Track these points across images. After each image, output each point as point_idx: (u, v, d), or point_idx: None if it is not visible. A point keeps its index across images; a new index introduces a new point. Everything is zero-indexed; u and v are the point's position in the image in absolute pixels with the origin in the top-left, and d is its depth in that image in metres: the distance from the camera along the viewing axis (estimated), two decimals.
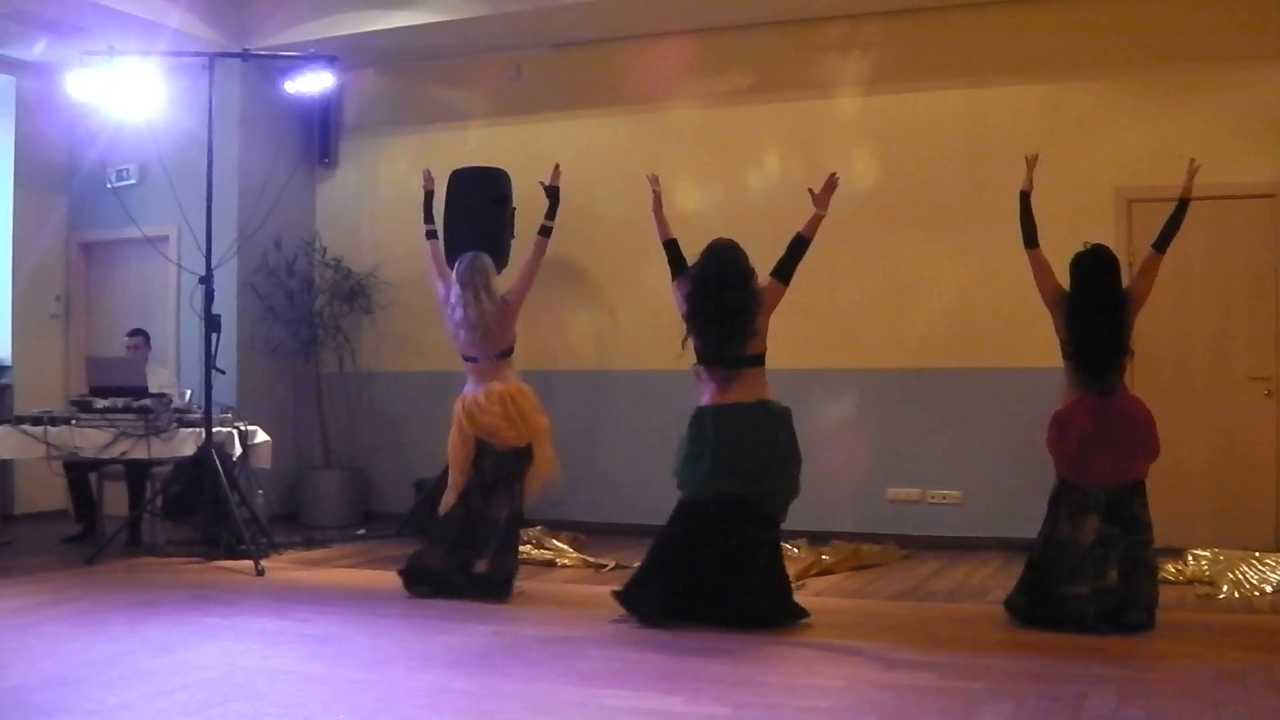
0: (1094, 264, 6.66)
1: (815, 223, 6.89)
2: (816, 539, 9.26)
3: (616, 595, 6.71)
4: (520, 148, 10.70)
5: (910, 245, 9.80)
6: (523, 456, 7.50)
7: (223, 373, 9.12)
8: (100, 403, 9.03)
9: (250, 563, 8.31)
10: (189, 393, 9.85)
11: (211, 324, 8.82)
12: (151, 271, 11.34)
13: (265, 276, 11.12)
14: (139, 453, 8.87)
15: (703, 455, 6.68)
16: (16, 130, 11.22)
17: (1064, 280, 6.76)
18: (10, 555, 9.07)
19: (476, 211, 10.00)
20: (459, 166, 10.26)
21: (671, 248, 7.09)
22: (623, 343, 10.47)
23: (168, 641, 6.09)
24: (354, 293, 11.21)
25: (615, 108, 10.72)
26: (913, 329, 9.74)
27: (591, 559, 8.77)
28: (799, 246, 6.86)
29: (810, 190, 6.90)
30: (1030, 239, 6.93)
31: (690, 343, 6.78)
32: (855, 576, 8.31)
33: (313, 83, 9.23)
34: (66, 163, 11.65)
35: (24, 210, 11.29)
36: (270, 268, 11.12)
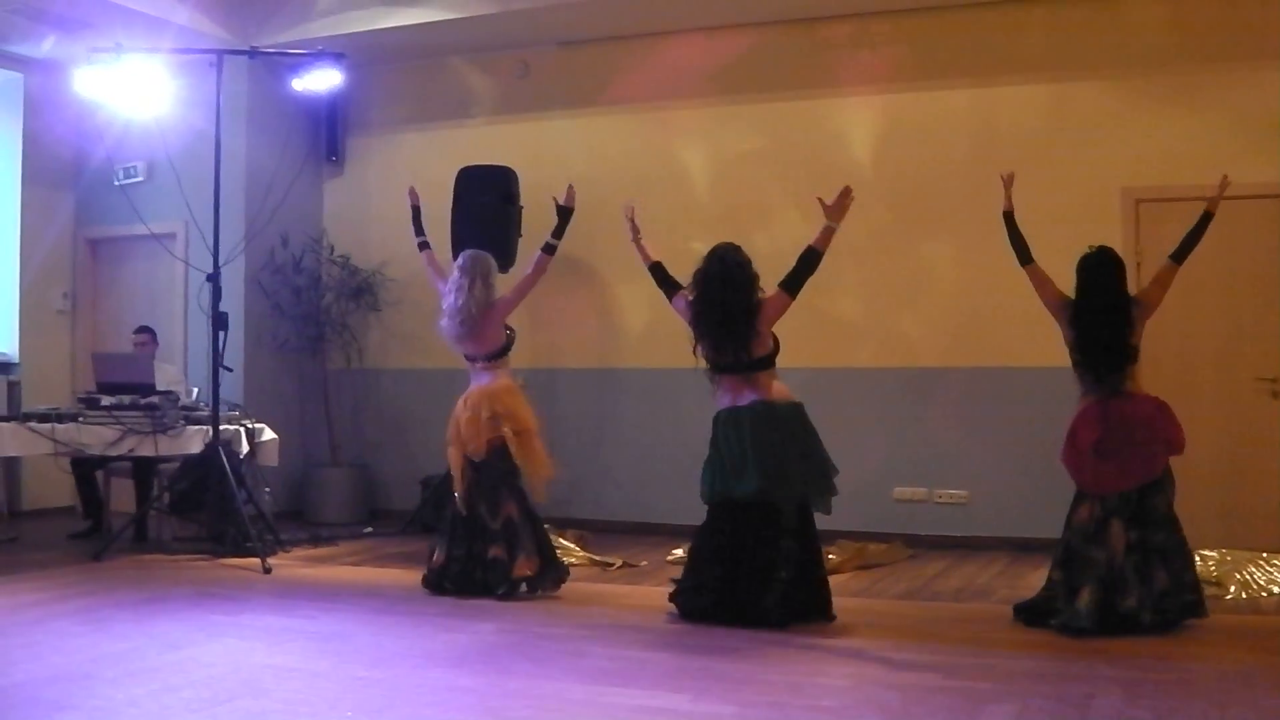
0: (1098, 265, 6.65)
1: (827, 235, 6.81)
2: (822, 538, 9.23)
3: (670, 598, 6.79)
4: (527, 146, 10.72)
5: (917, 244, 9.79)
6: (506, 456, 7.49)
7: (230, 370, 9.12)
8: (107, 400, 9.04)
9: (257, 560, 8.31)
10: (196, 390, 9.87)
11: (219, 321, 8.82)
12: (159, 268, 11.36)
13: (272, 274, 11.13)
14: (146, 450, 8.88)
15: (713, 460, 6.70)
16: (24, 127, 11.22)
17: (1065, 285, 6.73)
18: (17, 551, 9.09)
19: (483, 210, 10.01)
20: (466, 165, 10.26)
21: (657, 270, 7.11)
22: (629, 341, 10.48)
23: (174, 638, 6.11)
24: (361, 290, 11.22)
25: (622, 106, 10.72)
26: (919, 328, 9.74)
27: (598, 557, 8.77)
28: (810, 259, 6.80)
29: (821, 200, 6.82)
30: (1024, 256, 6.94)
31: (700, 350, 6.77)
32: (861, 576, 8.32)
33: (320, 80, 9.23)
34: (74, 159, 11.66)
35: (31, 207, 11.30)
36: (277, 265, 11.13)
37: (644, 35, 10.55)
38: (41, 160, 11.35)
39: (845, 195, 6.82)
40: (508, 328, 7.76)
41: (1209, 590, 7.50)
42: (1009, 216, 7.06)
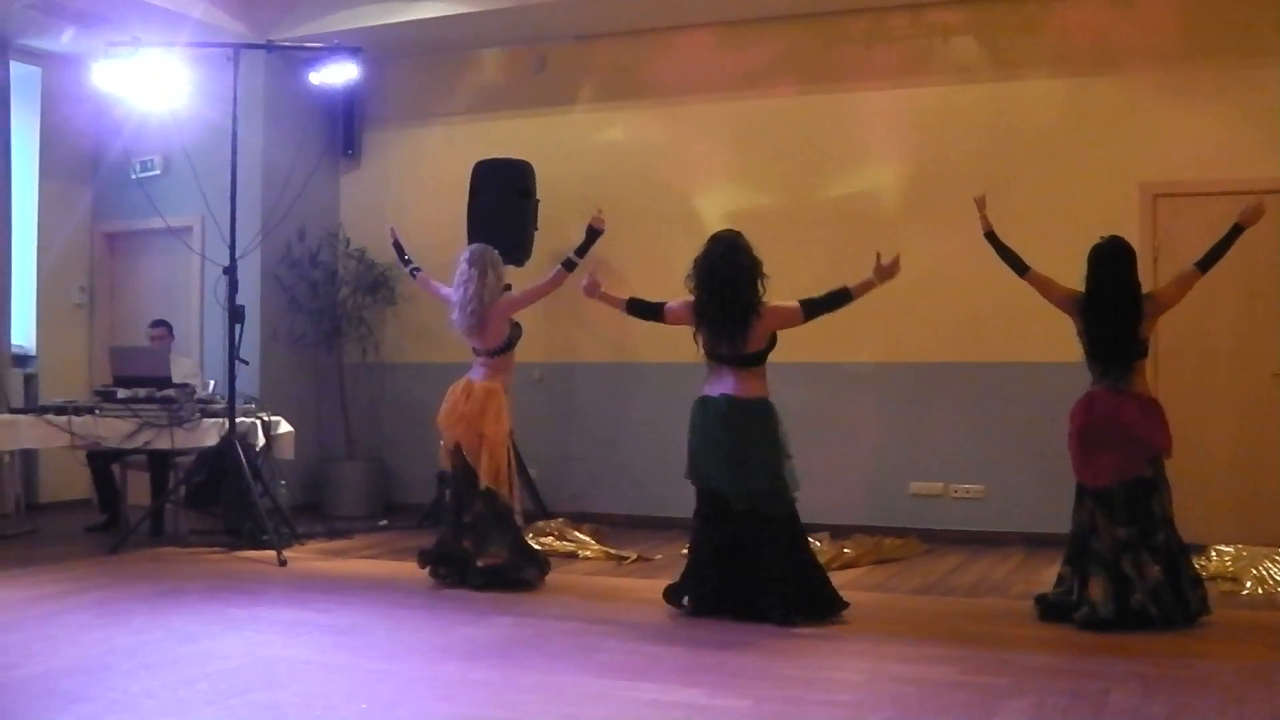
0: (1111, 255, 6.61)
1: (866, 288, 6.88)
2: (838, 533, 9.25)
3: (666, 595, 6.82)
4: (544, 140, 10.71)
5: (934, 239, 9.75)
6: (469, 455, 7.57)
7: (246, 363, 9.13)
8: (123, 393, 9.06)
9: (273, 553, 8.33)
10: (212, 383, 9.89)
11: (235, 315, 8.83)
12: (175, 262, 11.38)
13: (289, 268, 11.14)
14: (162, 443, 8.90)
15: (690, 445, 6.75)
16: (42, 121, 11.26)
17: (1069, 279, 6.71)
18: (34, 544, 9.12)
19: (499, 204, 10.00)
20: (482, 158, 10.26)
21: (635, 307, 7.08)
22: (645, 334, 10.43)
23: (190, 631, 6.12)
24: (377, 284, 11.22)
25: (638, 100, 10.72)
26: (936, 323, 9.71)
27: (613, 551, 8.77)
28: (840, 299, 6.86)
29: (878, 257, 6.89)
30: (1019, 267, 6.97)
31: (699, 337, 6.76)
32: (877, 571, 8.30)
33: (337, 74, 9.23)
34: (91, 153, 11.68)
35: (49, 200, 11.33)
36: (294, 259, 11.14)
37: (661, 29, 10.54)
38: (59, 154, 11.38)
39: (895, 264, 6.88)
40: (514, 324, 7.77)
41: (1225, 586, 7.50)
42: (991, 236, 7.09)
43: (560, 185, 10.47)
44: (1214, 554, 8.02)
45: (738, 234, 6.79)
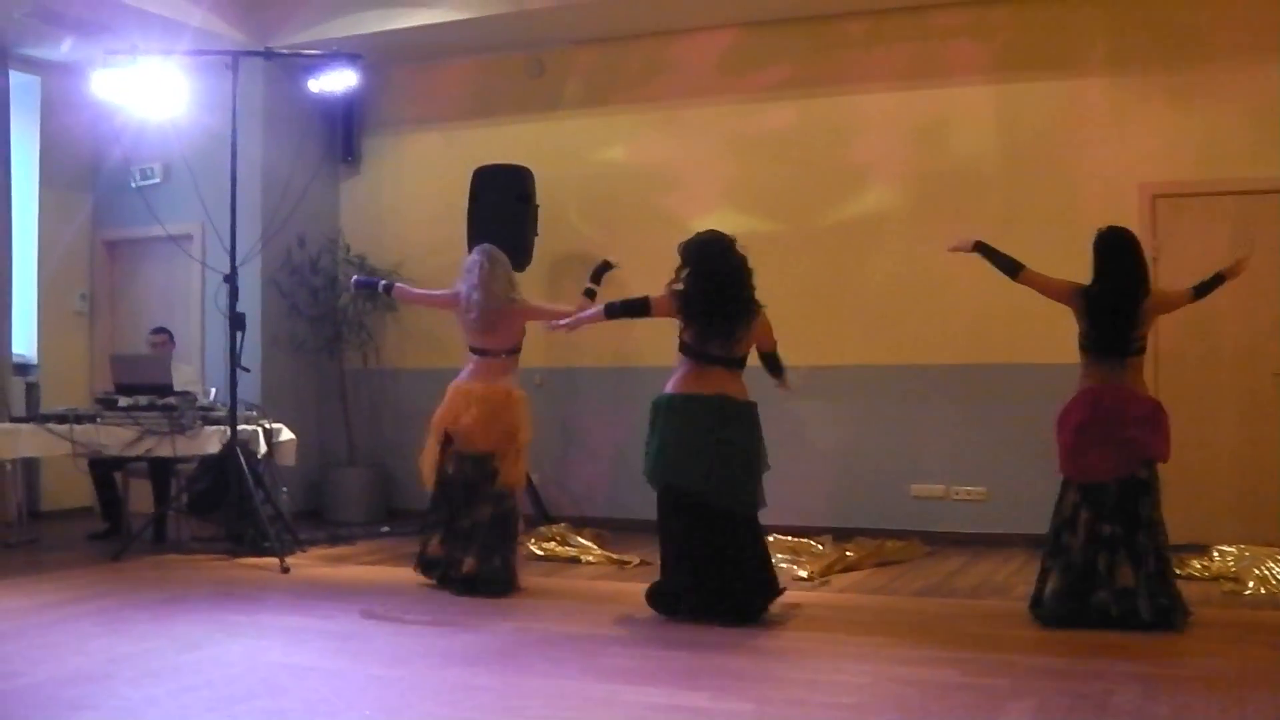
0: (1118, 243, 6.59)
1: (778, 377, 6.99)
2: (840, 535, 9.26)
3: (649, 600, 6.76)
4: (543, 145, 10.72)
5: (934, 241, 9.74)
6: (495, 460, 7.52)
7: (247, 370, 9.12)
8: (125, 400, 9.06)
9: (275, 560, 8.33)
10: (213, 390, 9.89)
11: (236, 322, 8.82)
12: (176, 270, 11.39)
13: (289, 274, 11.15)
14: (164, 450, 8.91)
15: (664, 442, 6.66)
16: (41, 129, 11.26)
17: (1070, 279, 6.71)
18: (37, 552, 9.11)
19: (499, 209, 10.01)
20: (481, 164, 10.27)
21: (614, 310, 6.99)
22: (646, 338, 10.45)
23: (193, 638, 6.12)
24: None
25: (638, 104, 10.72)
26: (937, 324, 9.70)
27: (615, 555, 8.77)
28: (771, 362, 6.99)
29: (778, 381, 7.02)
30: (1012, 268, 6.89)
31: (686, 333, 6.72)
32: (879, 573, 8.30)
33: (336, 81, 9.22)
34: (91, 161, 11.69)
35: (49, 209, 11.34)
36: (294, 265, 11.16)
37: (659, 34, 10.55)
38: (59, 163, 11.39)
39: (788, 387, 7.05)
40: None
41: (1227, 586, 7.50)
42: (979, 246, 6.96)
43: (559, 190, 10.48)
44: (1216, 554, 8.02)
45: (733, 240, 6.78)
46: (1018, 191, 9.49)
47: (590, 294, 7.64)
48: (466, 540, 7.44)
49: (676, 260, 6.79)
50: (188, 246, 10.84)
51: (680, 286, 6.70)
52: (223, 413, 9.06)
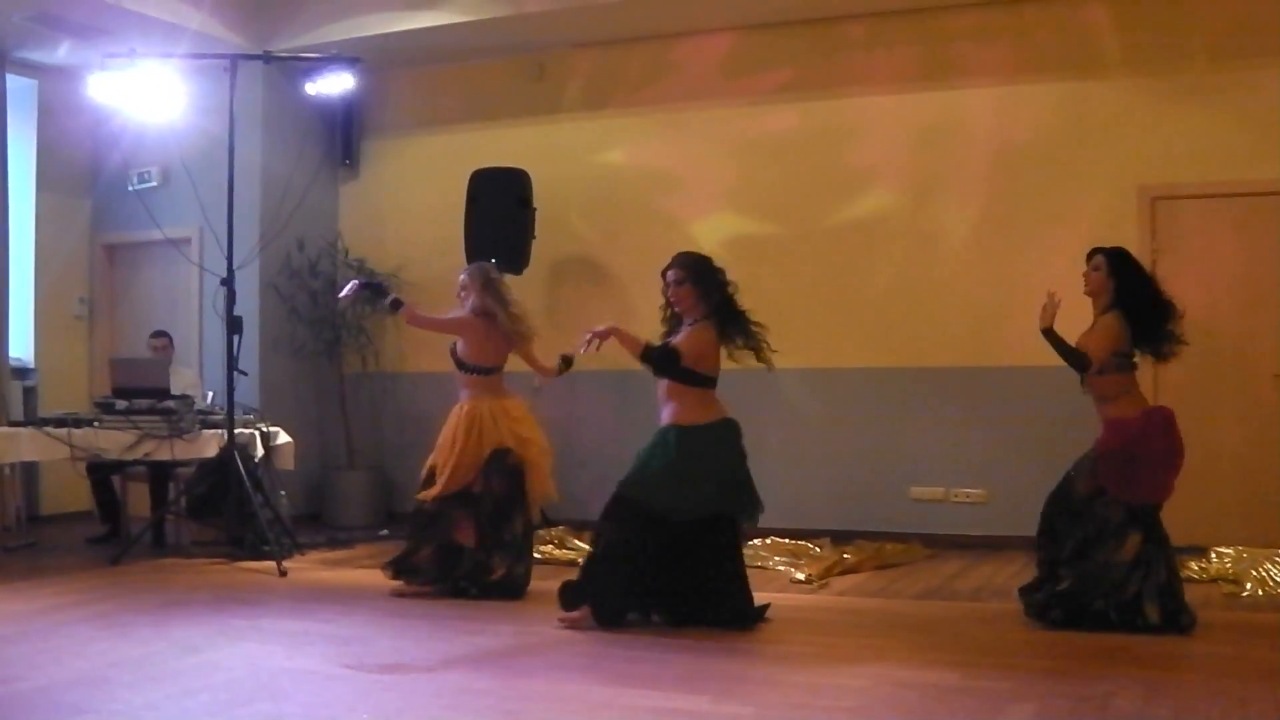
0: (1132, 262, 6.58)
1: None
2: (840, 538, 9.26)
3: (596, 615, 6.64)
4: (542, 148, 10.72)
5: (933, 244, 9.77)
6: (524, 471, 7.58)
7: (245, 374, 9.12)
8: (123, 404, 9.05)
9: (274, 563, 8.32)
10: (211, 394, 9.88)
11: (233, 326, 8.83)
12: (174, 273, 11.38)
13: (288, 278, 11.15)
14: (162, 454, 8.90)
15: (689, 474, 6.52)
16: (39, 133, 11.27)
17: (1069, 281, 6.67)
18: (36, 556, 9.11)
19: (497, 213, 10.01)
20: (480, 167, 10.27)
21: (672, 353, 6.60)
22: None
23: (193, 642, 6.11)
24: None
25: (638, 107, 10.71)
26: (937, 327, 9.70)
27: None
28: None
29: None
30: (1082, 367, 6.44)
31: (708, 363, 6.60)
32: (879, 576, 8.30)
33: (334, 84, 9.22)
34: (89, 165, 11.70)
35: (47, 213, 11.34)
36: (293, 269, 11.16)
37: (659, 36, 10.54)
38: (57, 166, 11.39)
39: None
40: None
41: (1226, 588, 7.51)
42: (1049, 333, 6.43)
43: (559, 193, 10.48)
44: (1214, 556, 8.03)
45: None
46: (1018, 194, 9.49)
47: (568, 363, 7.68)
48: (505, 549, 7.47)
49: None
50: (186, 250, 10.83)
51: (710, 319, 6.56)
52: (221, 416, 9.06)
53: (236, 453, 8.75)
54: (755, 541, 8.95)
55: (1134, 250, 6.81)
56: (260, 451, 9.33)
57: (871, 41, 10.00)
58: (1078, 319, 6.56)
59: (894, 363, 9.85)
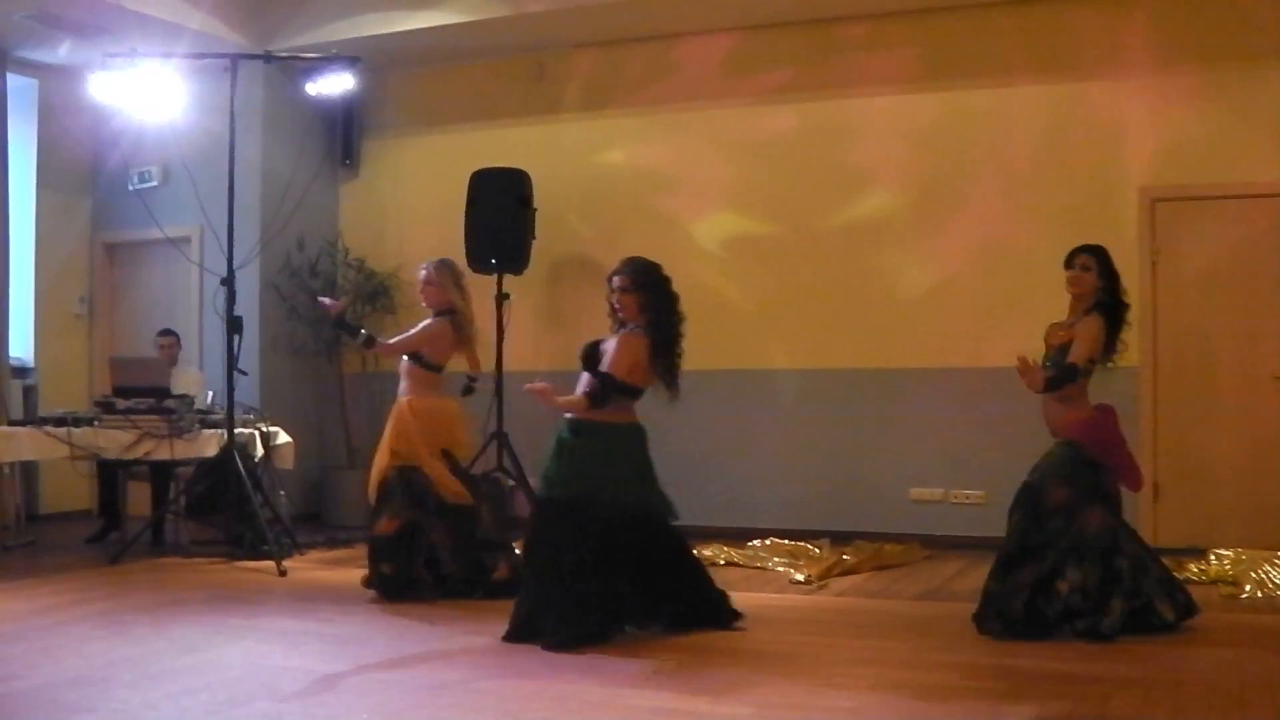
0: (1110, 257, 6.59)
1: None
2: (839, 539, 9.25)
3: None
4: (542, 148, 10.72)
5: (933, 244, 9.77)
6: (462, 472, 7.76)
7: (244, 374, 9.12)
8: (123, 403, 9.05)
9: (273, 563, 8.32)
10: (211, 394, 9.88)
11: (233, 325, 8.83)
12: (174, 273, 11.38)
13: (288, 277, 11.15)
14: (162, 453, 8.90)
15: (638, 471, 6.59)
16: (40, 132, 11.27)
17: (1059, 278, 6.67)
18: (35, 555, 9.11)
19: (497, 213, 10.00)
20: (480, 167, 10.26)
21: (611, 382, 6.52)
22: None
23: (192, 641, 6.12)
24: (377, 293, 11.21)
25: (638, 107, 10.71)
26: (936, 328, 9.70)
27: None
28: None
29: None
30: (1073, 376, 6.40)
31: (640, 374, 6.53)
32: (878, 577, 8.29)
33: (335, 84, 9.22)
34: (89, 164, 11.70)
35: (47, 212, 11.34)
36: (293, 269, 11.16)
37: (659, 37, 10.54)
38: (57, 166, 11.39)
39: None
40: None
41: (1224, 589, 7.50)
42: (1049, 386, 6.46)
43: (559, 193, 10.47)
44: (1213, 558, 8.02)
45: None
46: (1018, 195, 9.49)
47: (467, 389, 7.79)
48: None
49: (674, 262, 6.71)
50: (186, 249, 10.82)
51: (647, 330, 6.49)
52: (221, 415, 9.06)
53: (236, 452, 8.75)
54: (755, 542, 8.96)
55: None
56: (260, 451, 9.34)
57: (871, 42, 10.00)
58: (1038, 326, 6.61)
59: (893, 363, 9.85)
